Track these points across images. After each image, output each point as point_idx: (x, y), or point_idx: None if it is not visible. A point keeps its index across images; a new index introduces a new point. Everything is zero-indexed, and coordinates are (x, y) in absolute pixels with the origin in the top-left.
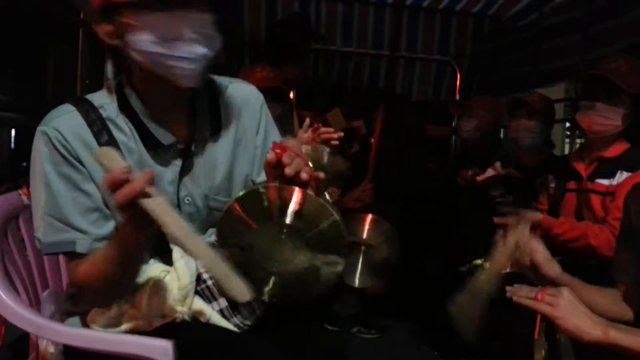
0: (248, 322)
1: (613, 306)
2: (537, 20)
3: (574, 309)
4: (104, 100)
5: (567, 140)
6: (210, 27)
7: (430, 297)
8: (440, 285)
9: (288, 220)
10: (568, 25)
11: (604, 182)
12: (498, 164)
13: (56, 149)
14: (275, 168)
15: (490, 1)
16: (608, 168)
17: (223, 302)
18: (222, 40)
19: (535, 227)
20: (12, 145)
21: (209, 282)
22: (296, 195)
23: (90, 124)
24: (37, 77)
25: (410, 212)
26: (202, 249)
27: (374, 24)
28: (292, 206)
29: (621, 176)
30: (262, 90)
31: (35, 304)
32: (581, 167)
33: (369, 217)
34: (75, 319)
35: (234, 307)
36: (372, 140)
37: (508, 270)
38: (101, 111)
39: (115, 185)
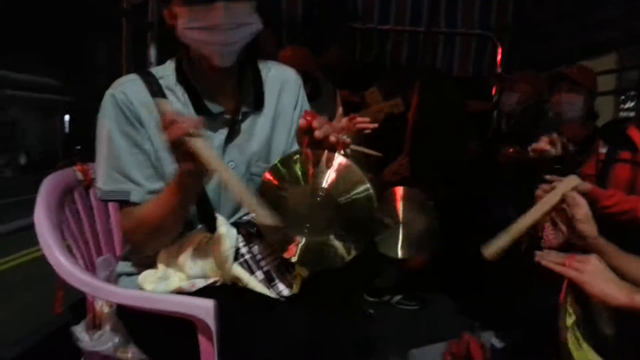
0: (284, 294)
1: None
2: None
3: (601, 275)
4: (164, 72)
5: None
6: (239, 15)
7: (470, 271)
8: (479, 260)
9: (319, 181)
10: None
11: None
12: (555, 136)
13: (121, 109)
14: (306, 133)
15: None
16: None
17: (260, 275)
18: (257, 26)
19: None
20: (67, 130)
21: (247, 257)
22: (326, 158)
23: (151, 91)
24: (88, 65)
25: (450, 187)
26: (235, 181)
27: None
28: (323, 169)
29: None
30: None
31: (90, 269)
32: (637, 136)
33: (406, 190)
34: (128, 280)
35: (271, 279)
36: (409, 115)
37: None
38: (161, 81)
39: (167, 125)
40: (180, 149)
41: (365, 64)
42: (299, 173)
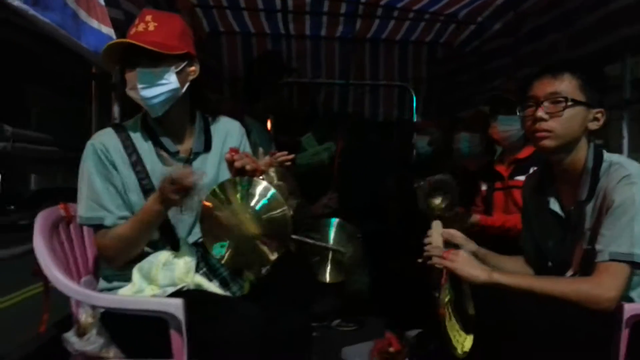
0: (237, 294)
1: (519, 269)
2: (479, 46)
3: (467, 262)
4: (132, 124)
5: None
6: (151, 77)
7: (399, 291)
8: (405, 280)
9: (247, 202)
10: (501, 49)
11: (521, 178)
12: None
13: (98, 155)
14: (232, 166)
15: (440, 31)
16: (523, 167)
17: (217, 282)
18: (172, 85)
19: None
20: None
21: (205, 269)
22: (249, 182)
23: (121, 140)
24: (23, 121)
25: (374, 218)
26: None
27: (339, 56)
28: (251, 192)
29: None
30: None
31: None
32: (502, 170)
33: (335, 220)
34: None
35: (226, 284)
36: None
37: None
38: (130, 131)
39: (181, 179)
40: (181, 190)
41: (301, 112)
42: (231, 195)
